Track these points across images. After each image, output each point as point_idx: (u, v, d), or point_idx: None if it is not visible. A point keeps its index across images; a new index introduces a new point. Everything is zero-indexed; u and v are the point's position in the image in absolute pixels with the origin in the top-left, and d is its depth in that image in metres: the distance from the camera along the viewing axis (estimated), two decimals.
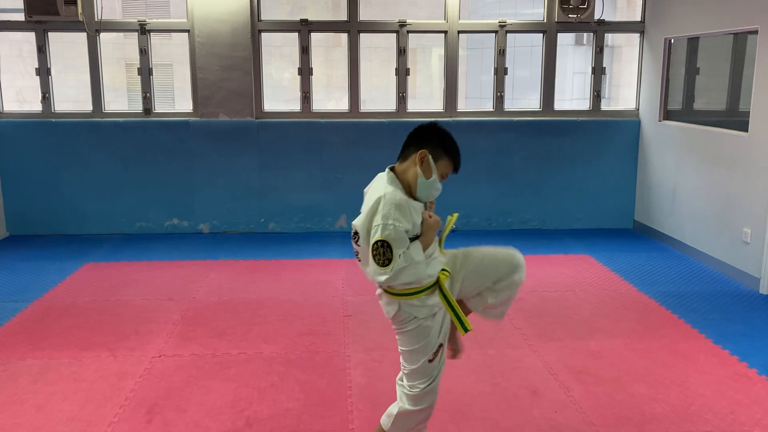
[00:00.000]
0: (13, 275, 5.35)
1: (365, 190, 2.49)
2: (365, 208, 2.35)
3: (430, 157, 2.35)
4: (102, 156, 6.53)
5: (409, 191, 2.40)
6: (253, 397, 3.38)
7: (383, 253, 2.25)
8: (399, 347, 2.51)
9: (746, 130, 5.14)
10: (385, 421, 2.59)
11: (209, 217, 6.71)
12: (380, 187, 2.35)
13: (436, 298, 2.42)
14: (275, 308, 4.61)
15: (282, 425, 3.11)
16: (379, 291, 2.46)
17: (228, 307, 4.64)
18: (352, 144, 6.62)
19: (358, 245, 2.38)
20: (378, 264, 2.26)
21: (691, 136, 5.92)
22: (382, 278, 2.27)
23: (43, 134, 6.47)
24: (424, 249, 2.36)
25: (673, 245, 6.17)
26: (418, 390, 2.46)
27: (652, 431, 3.07)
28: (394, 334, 2.49)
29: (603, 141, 6.79)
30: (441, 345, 2.47)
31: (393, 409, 2.57)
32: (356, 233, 2.36)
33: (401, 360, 2.52)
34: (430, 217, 2.42)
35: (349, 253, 6.03)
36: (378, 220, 2.26)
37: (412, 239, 2.34)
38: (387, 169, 2.42)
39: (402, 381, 2.53)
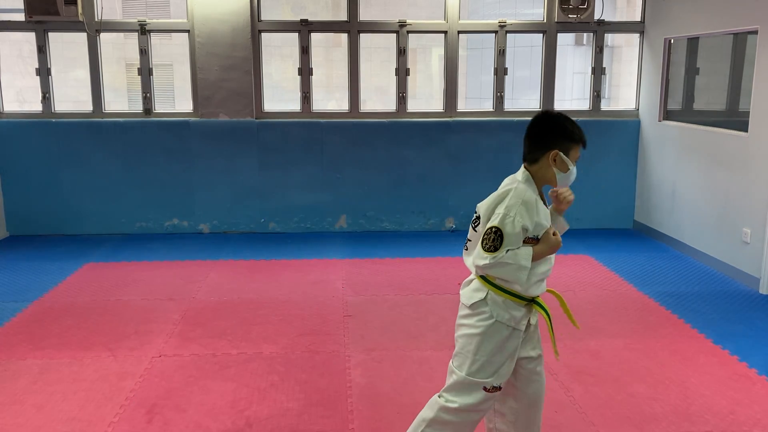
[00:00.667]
0: (13, 275, 5.35)
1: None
2: (493, 195, 2.37)
3: (561, 154, 2.35)
4: (102, 156, 6.53)
5: (542, 189, 2.43)
6: (253, 397, 3.38)
7: (493, 239, 2.26)
8: (455, 353, 2.44)
9: (746, 130, 5.14)
10: None
11: (209, 217, 6.71)
12: (512, 182, 2.38)
13: (522, 315, 2.37)
14: (275, 308, 4.61)
15: (282, 425, 3.11)
16: (469, 278, 2.44)
17: (228, 307, 4.64)
18: (352, 144, 6.62)
19: (476, 230, 2.37)
20: (484, 248, 2.27)
21: (690, 136, 5.92)
22: (483, 262, 2.27)
23: (43, 134, 6.47)
24: (535, 258, 2.34)
25: (673, 245, 6.17)
26: (455, 405, 2.38)
27: (652, 431, 3.07)
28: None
29: (603, 141, 6.79)
30: (500, 387, 2.40)
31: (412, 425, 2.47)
32: (478, 217, 2.37)
33: (450, 370, 2.45)
34: (554, 234, 2.40)
35: (349, 253, 6.05)
36: (501, 209, 2.28)
37: (529, 239, 2.33)
38: (523, 168, 2.42)
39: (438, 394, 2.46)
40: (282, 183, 6.67)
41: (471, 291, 2.39)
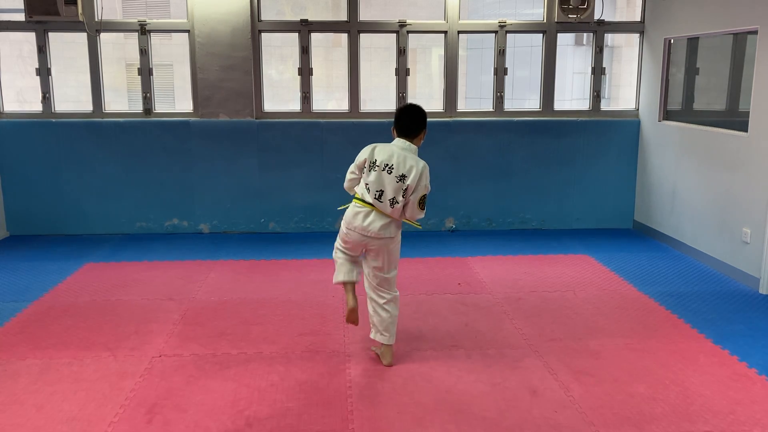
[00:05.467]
0: (13, 275, 5.35)
1: (381, 149, 3.57)
2: (410, 166, 3.48)
3: None
4: (102, 156, 6.53)
5: None
6: (253, 397, 3.38)
7: (425, 200, 3.58)
8: (389, 264, 3.66)
9: (746, 130, 5.15)
10: (384, 337, 3.69)
11: (209, 217, 6.71)
12: (415, 157, 3.53)
13: None
14: (275, 308, 4.61)
15: (282, 425, 3.12)
16: (384, 220, 3.54)
17: (228, 307, 4.64)
18: (352, 144, 6.55)
19: (401, 182, 3.47)
20: (421, 207, 3.57)
21: (690, 136, 5.92)
22: (421, 215, 3.60)
23: (43, 134, 6.47)
24: None
25: (673, 245, 6.18)
26: (396, 291, 3.74)
27: (652, 431, 3.08)
28: None
29: (603, 141, 6.79)
30: None
31: (385, 323, 3.68)
32: (403, 175, 3.47)
33: (384, 274, 3.67)
34: None
35: None
36: (425, 181, 3.51)
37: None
38: (411, 143, 3.56)
39: (382, 296, 3.70)
40: (282, 183, 6.67)
41: (395, 228, 3.61)
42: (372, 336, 3.76)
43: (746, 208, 5.14)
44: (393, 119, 3.64)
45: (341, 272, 3.74)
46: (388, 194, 3.48)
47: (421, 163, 3.50)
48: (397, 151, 3.51)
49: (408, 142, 3.54)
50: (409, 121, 3.56)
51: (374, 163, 3.51)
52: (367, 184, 3.54)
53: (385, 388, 3.47)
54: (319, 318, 4.42)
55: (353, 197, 3.65)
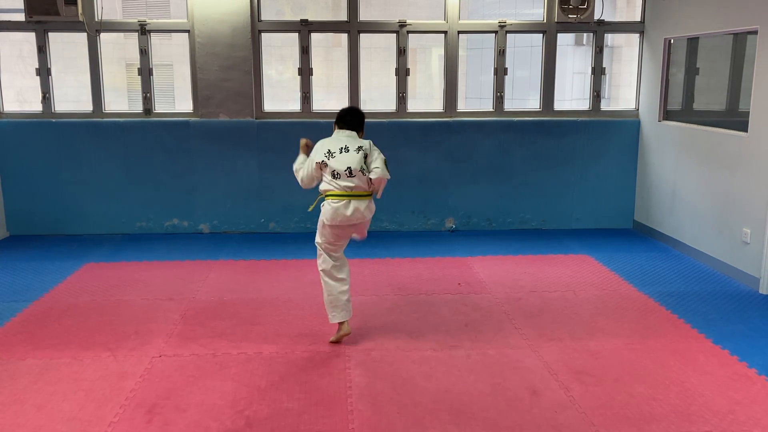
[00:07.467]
0: (13, 275, 5.35)
1: (329, 141, 4.00)
2: (361, 142, 3.95)
3: None
4: (102, 156, 6.53)
5: None
6: (253, 397, 3.38)
7: (387, 164, 3.96)
8: (364, 230, 4.10)
9: (746, 130, 5.15)
10: (348, 313, 3.97)
11: (209, 217, 6.71)
12: (361, 139, 4.00)
13: None
14: (275, 308, 4.61)
15: (282, 425, 3.12)
16: (365, 202, 3.90)
17: (228, 307, 4.64)
18: None
19: (360, 152, 3.89)
20: (387, 169, 3.92)
21: (690, 136, 5.92)
22: (389, 176, 3.92)
23: (43, 134, 6.47)
24: None
25: (673, 245, 6.18)
26: None
27: (652, 431, 3.08)
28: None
29: (603, 141, 6.79)
30: None
31: (347, 296, 3.98)
32: (360, 147, 3.91)
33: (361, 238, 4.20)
34: None
35: (349, 253, 6.01)
36: (376, 151, 3.96)
37: None
38: (358, 134, 4.02)
39: (344, 269, 4.04)
40: (282, 183, 6.66)
41: (372, 204, 3.98)
42: (341, 320, 3.96)
43: (746, 208, 5.14)
44: (335, 120, 4.11)
45: (337, 314, 3.99)
46: (355, 166, 3.84)
47: (365, 141, 3.95)
48: (344, 137, 3.95)
49: (351, 131, 3.99)
50: (351, 117, 4.03)
51: (330, 152, 3.89)
52: (334, 171, 3.85)
53: (385, 388, 3.47)
54: (319, 318, 4.42)
55: (321, 198, 3.97)
